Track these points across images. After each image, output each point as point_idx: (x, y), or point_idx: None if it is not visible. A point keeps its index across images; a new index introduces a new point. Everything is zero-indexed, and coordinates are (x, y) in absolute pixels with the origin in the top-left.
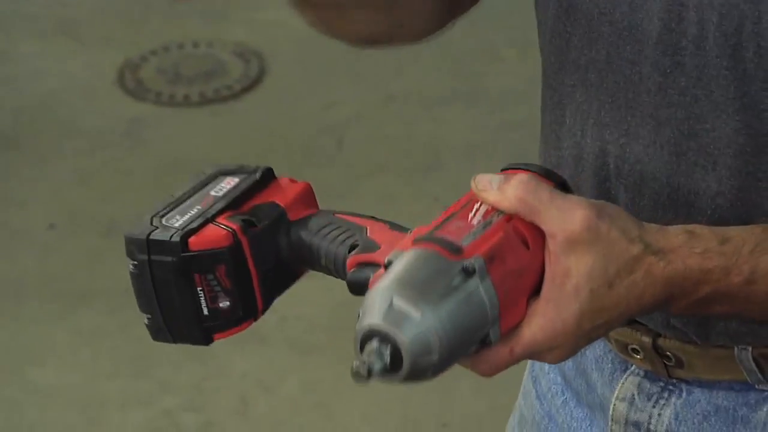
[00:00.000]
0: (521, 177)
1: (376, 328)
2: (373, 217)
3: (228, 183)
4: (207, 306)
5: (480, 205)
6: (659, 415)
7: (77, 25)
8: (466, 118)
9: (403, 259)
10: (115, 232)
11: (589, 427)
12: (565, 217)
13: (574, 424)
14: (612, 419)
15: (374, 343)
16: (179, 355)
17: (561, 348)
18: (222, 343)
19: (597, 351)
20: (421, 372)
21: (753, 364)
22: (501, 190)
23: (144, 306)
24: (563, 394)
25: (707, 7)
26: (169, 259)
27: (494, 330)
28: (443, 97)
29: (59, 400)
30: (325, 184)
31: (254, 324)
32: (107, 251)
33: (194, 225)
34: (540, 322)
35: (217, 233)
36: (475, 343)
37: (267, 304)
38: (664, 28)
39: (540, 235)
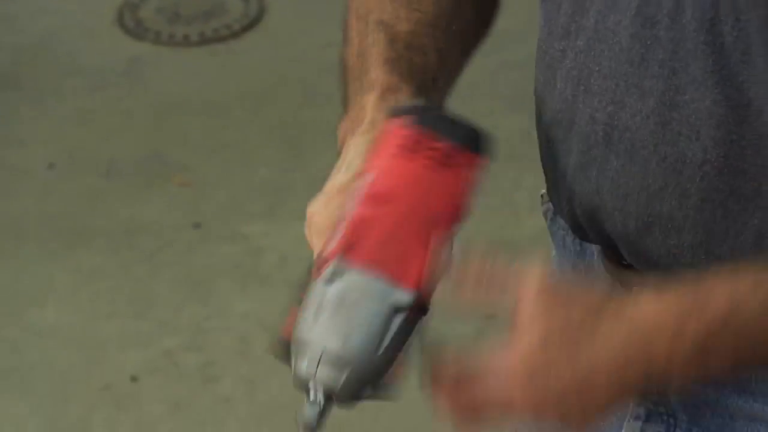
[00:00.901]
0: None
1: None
2: None
3: None
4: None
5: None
6: None
7: None
8: None
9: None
10: (115, 172)
11: None
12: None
13: None
14: None
15: (310, 395)
16: (179, 296)
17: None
18: (221, 284)
19: None
20: (361, 390)
21: None
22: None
23: None
24: None
25: None
26: None
27: (399, 294)
28: None
29: (59, 340)
30: (325, 124)
31: (255, 264)
32: (107, 191)
33: None
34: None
35: None
36: (387, 320)
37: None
38: (642, 0)
39: (396, 180)
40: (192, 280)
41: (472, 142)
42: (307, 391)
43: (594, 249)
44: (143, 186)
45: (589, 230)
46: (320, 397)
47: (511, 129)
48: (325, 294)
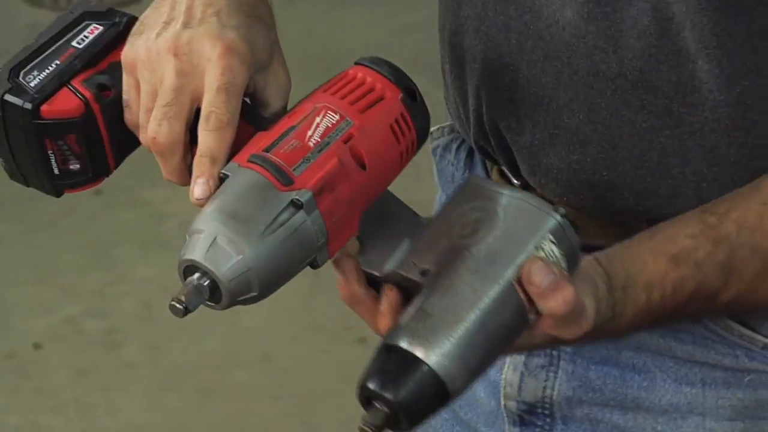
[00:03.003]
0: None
1: (197, 264)
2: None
3: (91, 32)
4: (58, 167)
5: (322, 120)
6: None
7: None
8: (366, 20)
9: (234, 182)
10: None
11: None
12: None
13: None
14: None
15: (195, 278)
16: (82, 262)
17: None
18: (124, 250)
19: None
20: (240, 303)
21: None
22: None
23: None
24: None
25: None
26: (20, 122)
27: (321, 254)
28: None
29: None
30: None
31: (157, 230)
32: None
33: (48, 89)
34: None
35: (69, 102)
36: (300, 268)
37: (119, 161)
38: None
39: (379, 153)
40: (94, 247)
41: (422, 142)
42: (190, 277)
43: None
44: None
45: (493, 142)
46: (207, 288)
47: None
48: (285, 216)
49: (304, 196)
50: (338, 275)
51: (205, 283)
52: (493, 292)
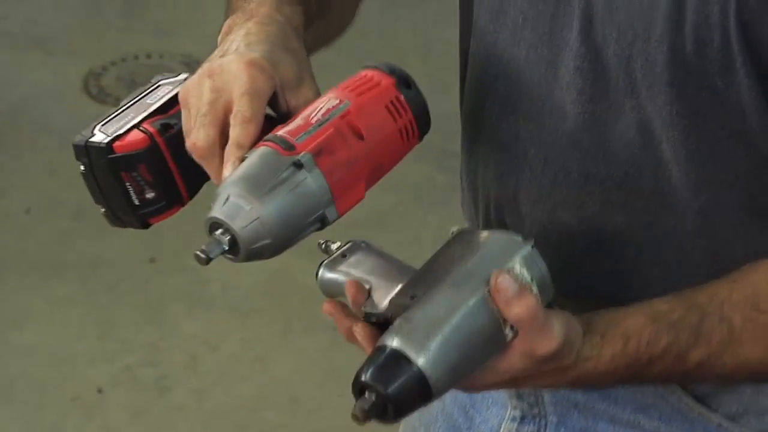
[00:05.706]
0: (530, 303)
1: (216, 219)
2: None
3: (164, 90)
4: (136, 197)
5: (324, 104)
6: None
7: (48, 40)
8: None
9: (250, 157)
10: (83, 216)
11: None
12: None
13: None
14: None
15: (216, 233)
16: (138, 319)
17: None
18: (173, 309)
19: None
20: (258, 253)
21: None
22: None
23: (96, 199)
24: None
25: (608, 24)
26: (100, 160)
27: (330, 210)
28: None
29: (37, 357)
30: None
31: (201, 292)
32: (76, 231)
33: (121, 131)
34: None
35: (136, 137)
36: (312, 222)
37: (192, 191)
38: (577, 37)
39: (375, 127)
40: (148, 306)
41: (425, 127)
42: (213, 233)
43: None
44: (106, 227)
45: None
46: (226, 240)
47: (417, 176)
48: (287, 174)
49: (304, 157)
50: (331, 317)
51: (225, 237)
52: (467, 301)
